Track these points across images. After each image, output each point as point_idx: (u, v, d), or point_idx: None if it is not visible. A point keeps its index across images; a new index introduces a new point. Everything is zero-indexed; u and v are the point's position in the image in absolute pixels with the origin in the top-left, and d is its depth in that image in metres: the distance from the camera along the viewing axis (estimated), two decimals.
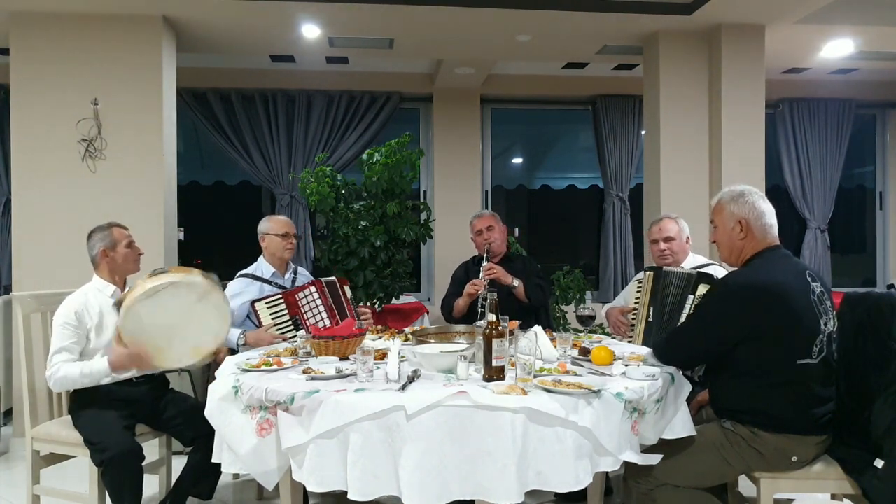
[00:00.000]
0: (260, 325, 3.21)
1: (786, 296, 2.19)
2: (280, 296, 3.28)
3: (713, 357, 2.37)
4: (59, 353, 2.67)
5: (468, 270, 3.92)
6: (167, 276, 2.57)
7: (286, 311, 3.25)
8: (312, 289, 3.33)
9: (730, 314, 2.23)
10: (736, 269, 2.41)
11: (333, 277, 3.53)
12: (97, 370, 2.65)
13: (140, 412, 2.84)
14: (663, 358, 2.38)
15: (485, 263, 3.63)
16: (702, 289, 2.90)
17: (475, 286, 3.56)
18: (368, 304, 4.55)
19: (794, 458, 2.26)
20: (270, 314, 3.23)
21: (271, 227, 3.48)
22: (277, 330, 3.20)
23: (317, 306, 3.29)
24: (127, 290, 2.70)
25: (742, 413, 2.28)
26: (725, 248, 2.43)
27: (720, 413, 2.38)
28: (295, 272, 3.57)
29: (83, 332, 2.73)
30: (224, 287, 3.23)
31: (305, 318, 3.24)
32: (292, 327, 3.22)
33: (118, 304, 2.62)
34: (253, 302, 3.25)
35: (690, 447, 2.30)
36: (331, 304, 3.32)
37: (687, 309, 2.91)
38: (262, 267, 3.48)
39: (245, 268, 3.49)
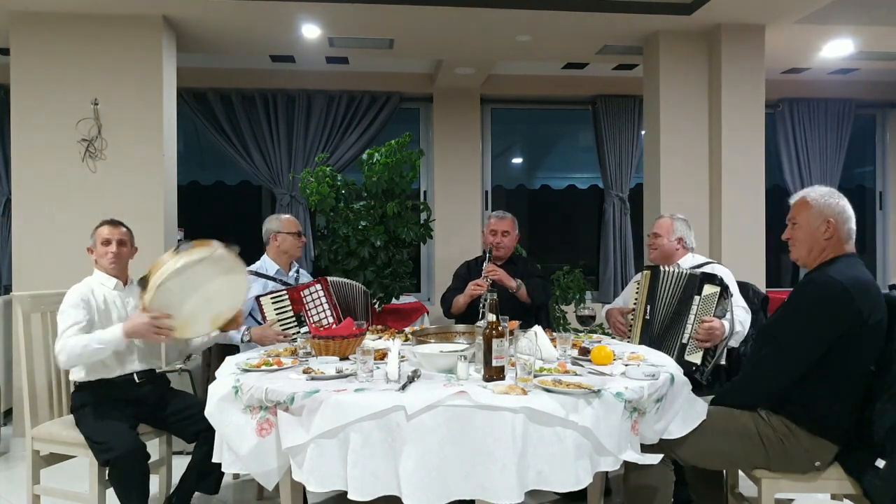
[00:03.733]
0: (264, 320, 3.24)
1: (881, 297, 2.19)
2: (285, 292, 3.32)
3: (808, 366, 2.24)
4: (71, 328, 2.66)
5: (470, 269, 3.92)
6: (195, 252, 2.63)
7: (290, 308, 3.29)
8: (318, 286, 3.37)
9: (837, 310, 2.16)
10: (811, 269, 2.34)
11: (367, 291, 3.68)
12: (109, 338, 2.63)
13: (142, 412, 2.85)
14: (758, 395, 2.31)
15: (486, 264, 3.63)
16: (708, 289, 2.89)
17: (478, 286, 3.55)
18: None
19: (818, 464, 2.26)
20: (275, 310, 3.27)
21: (284, 225, 3.55)
22: (281, 326, 3.22)
23: (321, 304, 3.32)
24: (152, 266, 2.71)
25: (790, 403, 2.25)
26: (805, 247, 2.33)
27: None
28: (298, 271, 3.63)
29: (92, 314, 2.75)
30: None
31: (309, 314, 3.27)
32: (296, 324, 3.25)
33: (143, 282, 2.64)
34: (258, 297, 3.28)
35: (710, 425, 2.28)
36: (335, 303, 3.35)
37: (694, 310, 2.89)
38: (266, 264, 3.53)
39: (246, 266, 3.51)
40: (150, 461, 2.64)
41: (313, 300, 3.32)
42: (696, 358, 2.88)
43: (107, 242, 2.88)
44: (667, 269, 3.10)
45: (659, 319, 3.05)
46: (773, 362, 2.28)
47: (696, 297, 2.91)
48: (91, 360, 2.68)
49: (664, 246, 3.29)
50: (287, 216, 3.64)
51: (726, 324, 2.87)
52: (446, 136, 6.25)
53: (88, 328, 2.71)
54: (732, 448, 2.29)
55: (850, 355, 2.19)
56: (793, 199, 2.43)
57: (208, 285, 2.68)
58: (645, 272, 3.21)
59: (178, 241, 2.71)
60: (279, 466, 2.11)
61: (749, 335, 3.06)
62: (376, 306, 4.63)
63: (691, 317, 2.90)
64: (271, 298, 3.29)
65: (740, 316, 2.96)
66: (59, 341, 2.65)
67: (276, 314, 3.26)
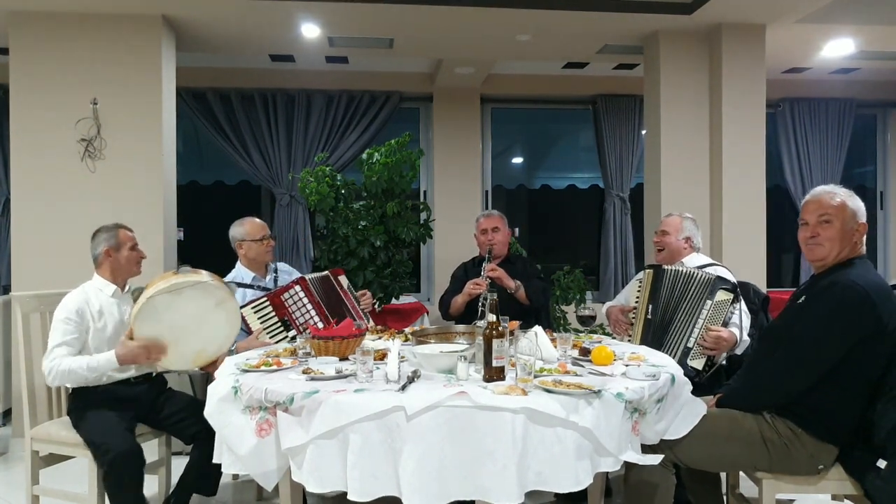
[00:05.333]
0: (249, 331, 3.14)
1: None
2: (265, 298, 3.19)
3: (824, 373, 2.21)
4: (60, 347, 2.66)
5: (467, 270, 3.91)
6: (192, 276, 2.65)
7: (274, 314, 3.18)
8: (297, 287, 3.21)
9: (859, 316, 2.14)
10: (821, 271, 2.32)
11: (326, 272, 3.46)
12: (104, 363, 2.65)
13: (140, 412, 2.84)
14: (774, 398, 2.27)
15: (486, 264, 3.62)
16: (721, 295, 2.84)
17: (477, 285, 3.55)
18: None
19: (821, 467, 2.25)
20: (258, 318, 3.15)
21: (247, 231, 3.42)
22: (268, 334, 3.14)
23: (304, 305, 3.19)
24: (150, 281, 2.72)
25: (797, 406, 2.23)
26: (837, 246, 2.26)
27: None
28: (275, 271, 3.51)
29: (84, 327, 2.73)
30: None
31: (294, 317, 3.15)
32: (282, 329, 3.16)
33: (136, 294, 2.65)
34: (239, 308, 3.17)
35: (714, 430, 2.27)
36: (318, 301, 3.22)
37: (705, 314, 2.85)
38: (240, 273, 3.43)
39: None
40: (149, 462, 2.64)
41: (295, 302, 3.18)
42: (698, 364, 2.85)
43: (135, 247, 2.91)
44: (669, 268, 3.09)
45: (661, 319, 3.04)
46: (791, 365, 2.25)
47: (709, 302, 2.86)
48: (81, 383, 2.70)
49: (672, 244, 3.26)
50: (251, 219, 3.47)
51: (736, 331, 2.85)
52: (446, 135, 6.25)
53: (79, 344, 2.71)
54: (736, 452, 2.28)
55: (865, 360, 2.17)
56: (814, 197, 2.32)
57: (198, 314, 2.67)
58: (647, 271, 3.20)
59: (180, 267, 2.72)
60: (279, 467, 2.10)
61: (749, 334, 3.05)
62: (376, 307, 4.61)
63: (700, 321, 2.86)
64: (252, 308, 3.16)
65: (745, 323, 2.93)
66: (48, 361, 2.64)
67: (261, 322, 3.14)
